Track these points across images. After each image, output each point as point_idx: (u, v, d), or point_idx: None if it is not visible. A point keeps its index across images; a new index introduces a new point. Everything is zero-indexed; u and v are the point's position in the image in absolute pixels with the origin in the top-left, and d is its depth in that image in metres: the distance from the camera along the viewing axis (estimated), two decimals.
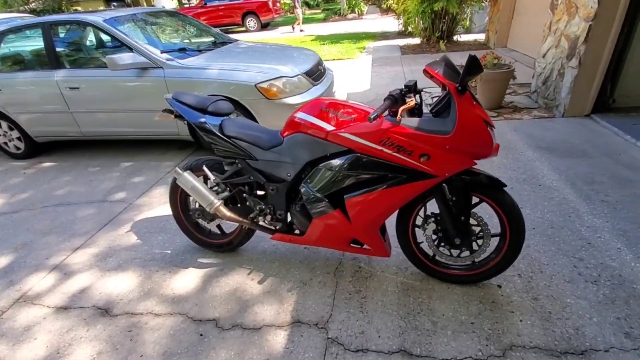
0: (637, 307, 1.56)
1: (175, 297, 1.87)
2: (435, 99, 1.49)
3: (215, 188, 1.87)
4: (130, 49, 3.12)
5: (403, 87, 1.40)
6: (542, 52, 3.89)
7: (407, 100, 1.35)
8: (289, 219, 1.82)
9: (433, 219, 1.60)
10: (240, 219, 1.83)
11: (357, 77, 6.04)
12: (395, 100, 1.34)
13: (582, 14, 3.16)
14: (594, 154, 2.90)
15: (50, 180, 3.40)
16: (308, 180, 1.61)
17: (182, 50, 3.43)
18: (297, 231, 1.84)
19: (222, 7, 14.18)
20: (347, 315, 1.65)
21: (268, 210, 1.78)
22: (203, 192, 1.78)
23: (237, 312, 1.73)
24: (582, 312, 1.56)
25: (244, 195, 1.85)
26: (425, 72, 1.46)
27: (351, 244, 1.74)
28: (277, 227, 1.80)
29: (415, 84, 1.39)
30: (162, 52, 3.19)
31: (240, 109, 3.06)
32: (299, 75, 3.19)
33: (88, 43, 3.64)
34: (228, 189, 1.87)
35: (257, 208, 1.80)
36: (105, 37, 3.58)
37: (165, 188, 3.07)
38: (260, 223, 1.86)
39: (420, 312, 1.63)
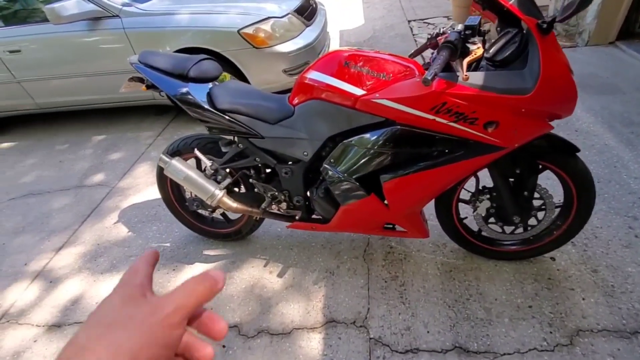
0: None
1: None
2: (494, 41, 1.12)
3: (214, 174, 1.52)
4: None
5: (462, 28, 1.02)
6: None
7: (471, 47, 0.97)
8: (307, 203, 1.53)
9: (488, 195, 1.32)
10: (250, 209, 1.53)
11: (346, 9, 5.32)
12: (454, 48, 0.97)
13: None
14: (627, 89, 2.60)
15: (13, 165, 2.95)
16: (332, 160, 1.28)
17: None
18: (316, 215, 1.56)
19: None
20: (387, 309, 1.45)
21: (282, 197, 1.48)
22: (200, 182, 1.44)
23: (259, 314, 1.52)
24: None
25: (251, 180, 1.52)
26: (483, 2, 1.07)
27: (384, 227, 1.48)
28: (297, 217, 1.51)
29: (480, 22, 1.01)
30: None
31: (223, 63, 2.57)
32: (289, 14, 2.64)
33: None
34: (230, 173, 1.53)
35: (269, 195, 1.49)
36: None
37: (150, 165, 2.68)
38: (274, 211, 1.57)
39: (469, 297, 1.44)
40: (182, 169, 1.43)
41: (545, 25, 0.94)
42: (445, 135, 1.09)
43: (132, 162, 2.75)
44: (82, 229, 2.17)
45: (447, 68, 1.13)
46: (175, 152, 1.58)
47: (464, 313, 1.39)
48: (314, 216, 1.57)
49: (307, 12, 2.88)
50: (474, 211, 1.37)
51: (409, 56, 1.39)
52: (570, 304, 1.37)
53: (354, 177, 1.27)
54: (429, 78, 0.89)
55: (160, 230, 2.05)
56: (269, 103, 1.35)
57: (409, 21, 4.58)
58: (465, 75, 0.91)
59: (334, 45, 4.18)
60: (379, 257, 1.66)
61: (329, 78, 1.20)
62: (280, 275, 1.67)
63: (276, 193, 1.47)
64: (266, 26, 2.51)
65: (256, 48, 2.53)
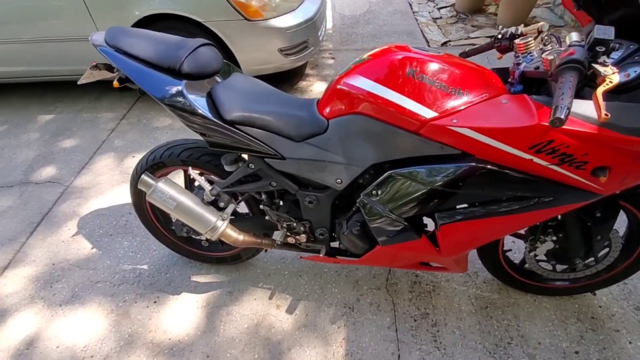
0: None
1: (173, 345, 1.33)
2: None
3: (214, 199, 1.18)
4: None
5: (586, 40, 0.75)
6: None
7: (602, 70, 0.71)
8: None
9: (554, 237, 1.12)
10: (260, 240, 1.22)
11: None
12: (583, 70, 0.70)
13: None
14: None
15: None
16: (375, 193, 1.00)
17: None
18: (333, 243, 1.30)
19: None
20: (421, 356, 1.26)
21: (302, 228, 1.18)
22: (197, 212, 1.10)
23: None
24: None
25: (261, 206, 1.20)
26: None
27: (420, 263, 1.26)
28: (322, 253, 1.23)
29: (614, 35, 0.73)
30: None
31: (208, 38, 2.11)
32: None
33: None
34: (232, 194, 1.21)
35: (285, 225, 1.19)
36: None
37: (114, 157, 2.23)
38: (291, 243, 1.27)
39: (510, 341, 1.28)
40: (172, 195, 1.08)
41: None
42: (537, 178, 0.85)
43: (91, 152, 2.28)
44: (32, 242, 1.74)
45: (538, 90, 0.88)
46: (158, 164, 1.21)
47: None
48: (332, 244, 1.31)
49: None
50: (529, 251, 1.18)
51: (461, 55, 1.12)
52: (617, 349, 1.25)
53: (402, 214, 1.01)
54: (563, 117, 0.62)
55: (133, 247, 1.69)
56: (294, 112, 1.02)
57: None
58: (606, 114, 0.65)
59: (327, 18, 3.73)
60: (404, 289, 1.45)
61: (382, 89, 0.89)
62: (289, 310, 1.41)
63: (294, 224, 1.17)
64: None
65: (248, 20, 2.09)
